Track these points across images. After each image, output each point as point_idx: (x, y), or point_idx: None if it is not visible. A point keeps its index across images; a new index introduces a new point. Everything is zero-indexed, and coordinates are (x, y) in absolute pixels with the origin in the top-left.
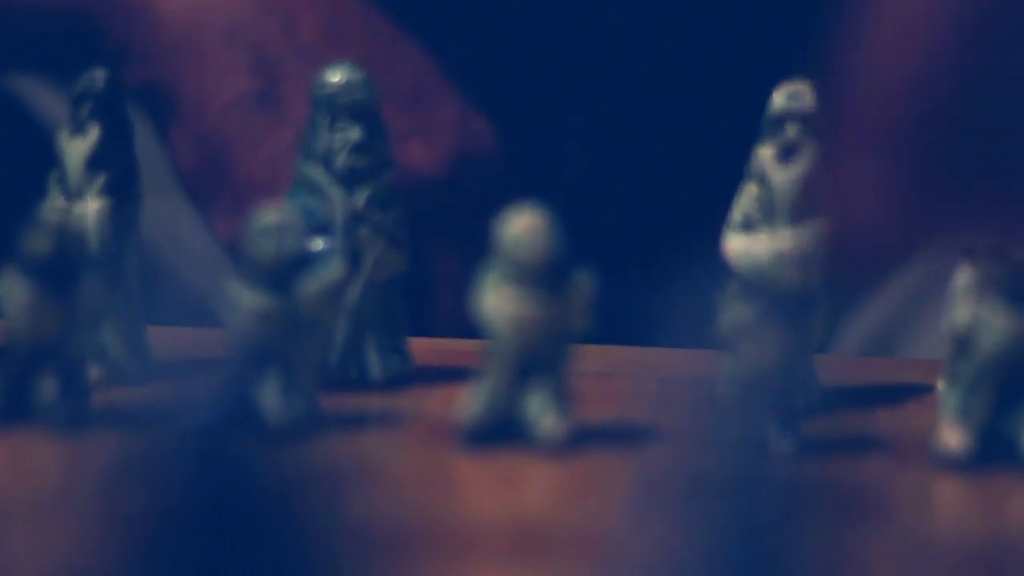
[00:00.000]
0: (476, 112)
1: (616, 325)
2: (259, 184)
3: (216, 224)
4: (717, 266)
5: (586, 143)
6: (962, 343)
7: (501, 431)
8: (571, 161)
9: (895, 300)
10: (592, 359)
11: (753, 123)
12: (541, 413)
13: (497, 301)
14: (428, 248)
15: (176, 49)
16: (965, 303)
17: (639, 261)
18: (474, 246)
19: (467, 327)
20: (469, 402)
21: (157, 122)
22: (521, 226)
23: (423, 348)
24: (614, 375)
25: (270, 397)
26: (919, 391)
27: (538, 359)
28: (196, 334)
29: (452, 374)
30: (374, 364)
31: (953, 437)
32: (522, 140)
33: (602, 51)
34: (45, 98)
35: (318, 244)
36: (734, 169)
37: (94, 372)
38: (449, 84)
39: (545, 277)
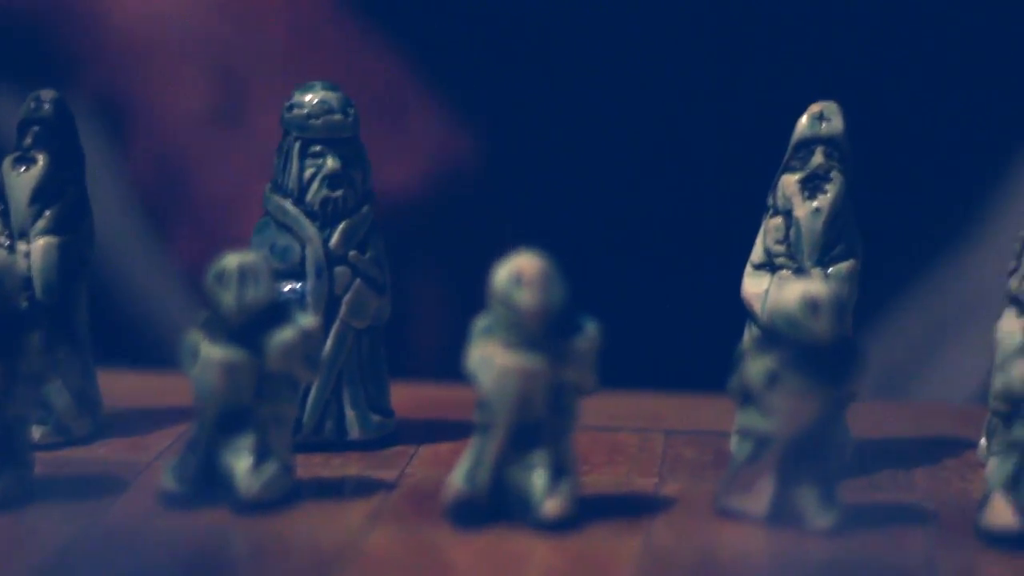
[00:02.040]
0: (460, 127)
1: (620, 369)
2: (223, 205)
3: (176, 248)
4: (733, 309)
5: (583, 169)
6: (1017, 406)
7: (495, 505)
8: (567, 192)
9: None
10: (595, 410)
11: (776, 148)
12: (541, 488)
13: (490, 355)
14: (407, 278)
15: (134, 59)
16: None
17: (644, 301)
18: (458, 276)
19: (451, 368)
20: (458, 471)
21: (112, 137)
22: (518, 271)
23: (405, 397)
24: (619, 428)
25: (240, 463)
26: (955, 446)
27: (537, 422)
28: (152, 381)
29: (438, 430)
30: (352, 423)
31: (1004, 512)
32: (514, 160)
33: (603, 64)
34: None
35: (288, 288)
36: (753, 200)
37: (37, 433)
38: (431, 97)
39: (546, 328)
